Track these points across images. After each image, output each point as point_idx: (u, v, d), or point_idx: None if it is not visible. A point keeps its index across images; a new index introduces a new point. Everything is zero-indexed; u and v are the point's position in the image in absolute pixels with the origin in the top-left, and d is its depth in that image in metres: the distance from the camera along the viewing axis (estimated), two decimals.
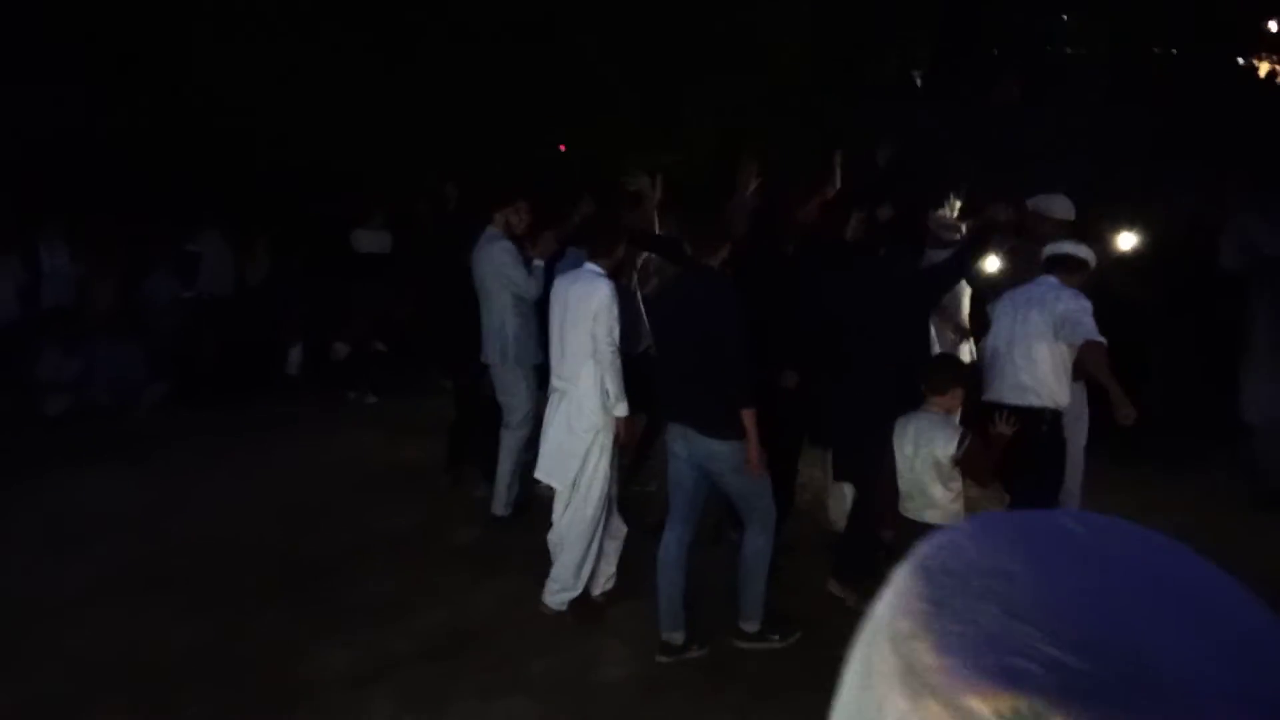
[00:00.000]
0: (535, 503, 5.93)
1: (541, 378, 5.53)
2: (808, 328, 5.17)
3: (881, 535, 4.90)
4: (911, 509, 4.30)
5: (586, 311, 4.68)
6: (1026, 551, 0.51)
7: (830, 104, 11.36)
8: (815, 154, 6.32)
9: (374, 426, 8.28)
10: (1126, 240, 5.78)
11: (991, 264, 5.56)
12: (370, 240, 9.59)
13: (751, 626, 4.61)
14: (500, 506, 5.98)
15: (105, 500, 6.38)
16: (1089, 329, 4.43)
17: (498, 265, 5.71)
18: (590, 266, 4.83)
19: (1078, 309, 4.51)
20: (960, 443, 4.15)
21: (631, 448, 5.42)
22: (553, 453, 4.89)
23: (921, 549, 0.55)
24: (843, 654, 0.55)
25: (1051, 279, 4.73)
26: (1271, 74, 28.05)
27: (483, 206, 6.06)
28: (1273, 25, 26.33)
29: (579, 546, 4.86)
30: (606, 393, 4.73)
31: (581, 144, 10.53)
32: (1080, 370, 4.72)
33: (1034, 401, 4.61)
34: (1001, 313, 4.83)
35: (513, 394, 5.85)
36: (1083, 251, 4.77)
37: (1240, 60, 27.75)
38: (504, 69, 10.01)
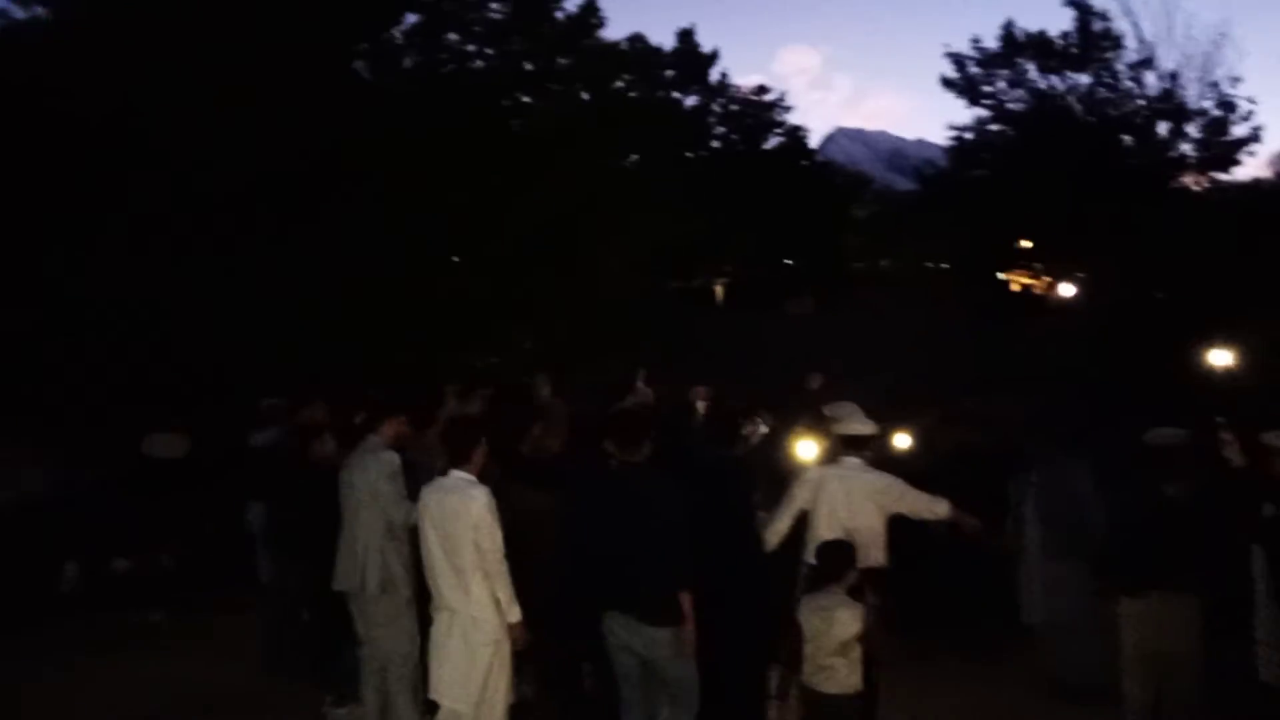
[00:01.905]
0: None
1: None
2: None
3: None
4: (815, 682, 4.64)
5: (467, 523, 4.55)
6: None
7: (643, 314, 12.07)
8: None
9: (159, 647, 7.56)
10: (902, 440, 6.26)
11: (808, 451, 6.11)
12: (165, 446, 9.06)
13: None
14: None
15: None
16: (939, 501, 5.55)
17: (373, 480, 5.29)
18: (459, 474, 4.70)
19: (911, 492, 5.55)
20: (864, 620, 4.63)
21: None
22: (452, 674, 4.64)
23: None
24: None
25: (855, 460, 5.58)
26: (1028, 288, 31.22)
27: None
28: (1026, 243, 29.48)
29: None
30: (498, 602, 4.61)
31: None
32: None
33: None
34: (832, 499, 5.48)
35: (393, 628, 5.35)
36: (869, 428, 5.72)
37: (1001, 275, 30.83)
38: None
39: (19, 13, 11.67)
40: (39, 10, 11.73)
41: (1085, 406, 8.09)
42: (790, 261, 31.52)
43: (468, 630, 4.61)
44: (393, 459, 5.35)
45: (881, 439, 6.07)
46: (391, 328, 10.87)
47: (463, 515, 4.56)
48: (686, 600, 4.51)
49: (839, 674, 4.60)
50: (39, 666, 7.02)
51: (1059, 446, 6.79)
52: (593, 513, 4.85)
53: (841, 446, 5.70)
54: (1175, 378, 13.56)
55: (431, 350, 10.44)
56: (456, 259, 11.16)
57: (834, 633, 4.60)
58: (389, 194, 10.80)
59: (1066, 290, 27.83)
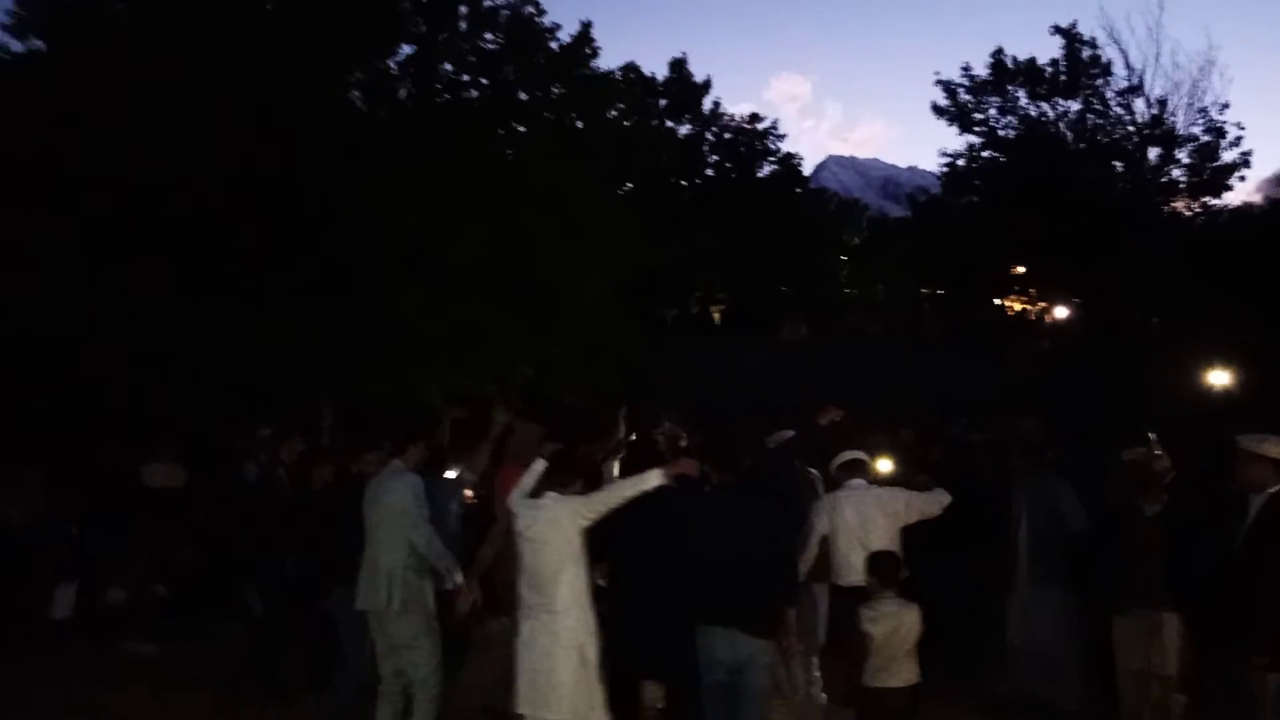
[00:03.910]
0: None
1: None
2: None
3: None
4: (882, 679, 5.00)
5: (559, 528, 4.74)
6: None
7: (634, 341, 12.11)
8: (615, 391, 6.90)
9: (152, 680, 7.52)
10: (884, 465, 6.53)
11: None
12: (162, 474, 9.08)
13: None
14: None
15: None
16: (939, 494, 6.05)
17: (399, 502, 5.39)
18: (553, 495, 4.89)
19: (916, 496, 6.06)
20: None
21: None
22: (543, 684, 4.68)
23: None
24: None
25: (858, 481, 6.15)
26: (1022, 312, 31.28)
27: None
28: (1020, 268, 29.51)
29: None
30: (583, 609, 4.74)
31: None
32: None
33: None
34: (846, 520, 5.99)
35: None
36: (860, 453, 6.29)
37: (995, 300, 30.90)
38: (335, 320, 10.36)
39: (17, 45, 11.85)
40: (37, 43, 11.90)
41: (1069, 428, 8.12)
42: (785, 288, 31.67)
43: (551, 632, 4.67)
44: (418, 482, 5.48)
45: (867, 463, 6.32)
46: (390, 358, 10.89)
47: (554, 523, 4.74)
48: (791, 615, 4.86)
49: (903, 669, 5.03)
50: (37, 699, 6.99)
51: (1044, 467, 6.80)
52: (698, 529, 4.99)
53: (843, 473, 6.23)
54: (1165, 398, 13.63)
55: (426, 379, 10.49)
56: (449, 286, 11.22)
57: (905, 633, 5.01)
58: (382, 223, 10.89)
59: (1060, 314, 27.97)
